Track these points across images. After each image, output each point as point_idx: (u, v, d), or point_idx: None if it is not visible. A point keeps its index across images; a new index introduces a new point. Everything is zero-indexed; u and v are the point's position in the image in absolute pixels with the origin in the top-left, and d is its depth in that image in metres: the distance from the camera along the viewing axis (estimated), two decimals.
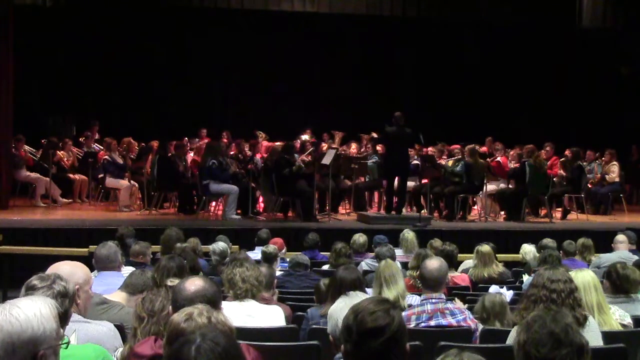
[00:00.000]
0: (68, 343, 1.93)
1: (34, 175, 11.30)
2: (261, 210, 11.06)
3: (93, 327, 3.02)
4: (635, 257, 6.55)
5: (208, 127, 13.58)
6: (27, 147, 11.65)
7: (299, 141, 12.33)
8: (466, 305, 4.42)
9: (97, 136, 12.83)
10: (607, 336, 3.59)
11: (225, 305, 3.31)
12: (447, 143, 12.58)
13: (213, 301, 2.68)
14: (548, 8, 13.61)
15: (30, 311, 1.70)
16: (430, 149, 12.26)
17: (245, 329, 3.56)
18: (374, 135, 11.91)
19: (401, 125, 10.14)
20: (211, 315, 2.32)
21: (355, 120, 13.63)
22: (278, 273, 5.72)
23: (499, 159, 11.78)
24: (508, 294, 4.15)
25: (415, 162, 11.36)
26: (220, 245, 6.37)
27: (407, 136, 10.26)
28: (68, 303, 2.64)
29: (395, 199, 10.52)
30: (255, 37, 14.67)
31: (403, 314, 3.53)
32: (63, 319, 2.56)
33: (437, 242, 6.83)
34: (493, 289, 4.14)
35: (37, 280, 2.69)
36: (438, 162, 11.51)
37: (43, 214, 10.60)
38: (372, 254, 7.00)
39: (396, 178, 10.49)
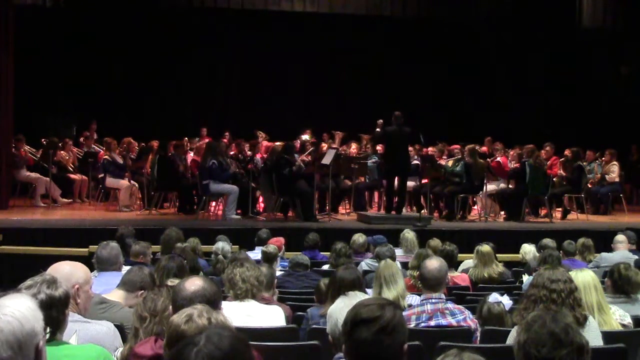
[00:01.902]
0: (50, 332, 1.93)
1: (34, 175, 11.31)
2: (261, 210, 11.06)
3: (93, 327, 3.02)
4: (635, 257, 6.56)
5: (208, 127, 13.59)
6: (27, 147, 11.65)
7: (299, 141, 12.33)
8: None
9: (95, 135, 12.83)
10: (607, 336, 3.59)
11: (225, 305, 3.31)
12: (447, 143, 12.59)
13: (213, 301, 2.67)
14: (548, 8, 13.62)
15: (22, 306, 1.75)
16: (430, 149, 12.27)
17: (245, 329, 3.56)
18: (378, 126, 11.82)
19: (400, 124, 10.15)
20: (211, 317, 2.31)
21: (355, 120, 13.63)
22: (278, 273, 5.72)
23: (499, 159, 11.77)
24: (507, 304, 4.14)
25: (415, 162, 11.36)
26: (220, 245, 6.36)
27: (407, 136, 10.26)
28: (56, 312, 2.58)
29: (395, 199, 10.53)
30: (255, 37, 14.67)
31: (403, 314, 3.52)
32: (55, 325, 2.54)
33: (435, 242, 6.80)
34: (492, 297, 4.13)
35: (26, 290, 2.59)
36: (438, 162, 11.51)
37: (43, 214, 10.60)
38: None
39: (396, 178, 10.49)
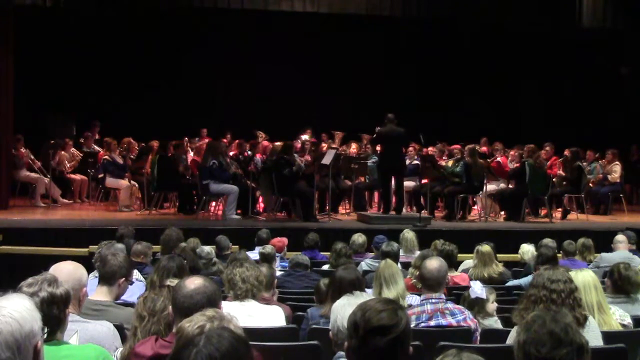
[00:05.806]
0: (51, 331, 1.95)
1: (34, 175, 11.31)
2: (261, 210, 11.06)
3: (93, 327, 3.02)
4: (635, 257, 6.56)
5: (208, 127, 13.57)
6: (24, 150, 11.62)
7: (299, 141, 12.32)
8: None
9: (97, 136, 12.84)
10: (607, 336, 3.59)
11: (225, 305, 3.31)
12: (447, 143, 12.58)
13: (213, 300, 2.68)
14: (548, 8, 13.60)
15: (20, 307, 1.76)
16: (430, 149, 12.27)
17: (245, 329, 3.55)
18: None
19: (393, 125, 10.15)
20: (223, 325, 2.28)
21: (355, 120, 13.62)
22: (278, 273, 5.72)
23: (499, 159, 11.78)
24: (492, 297, 4.17)
25: (416, 162, 11.36)
26: (206, 249, 6.34)
27: (399, 136, 10.27)
28: (57, 310, 2.58)
29: (393, 200, 10.52)
30: (255, 37, 14.67)
31: None
32: (56, 324, 2.54)
33: (440, 243, 6.76)
34: (473, 292, 4.14)
35: (27, 287, 2.61)
36: (438, 162, 11.50)
37: (43, 214, 10.60)
38: (372, 254, 7.01)
39: (392, 178, 10.49)
